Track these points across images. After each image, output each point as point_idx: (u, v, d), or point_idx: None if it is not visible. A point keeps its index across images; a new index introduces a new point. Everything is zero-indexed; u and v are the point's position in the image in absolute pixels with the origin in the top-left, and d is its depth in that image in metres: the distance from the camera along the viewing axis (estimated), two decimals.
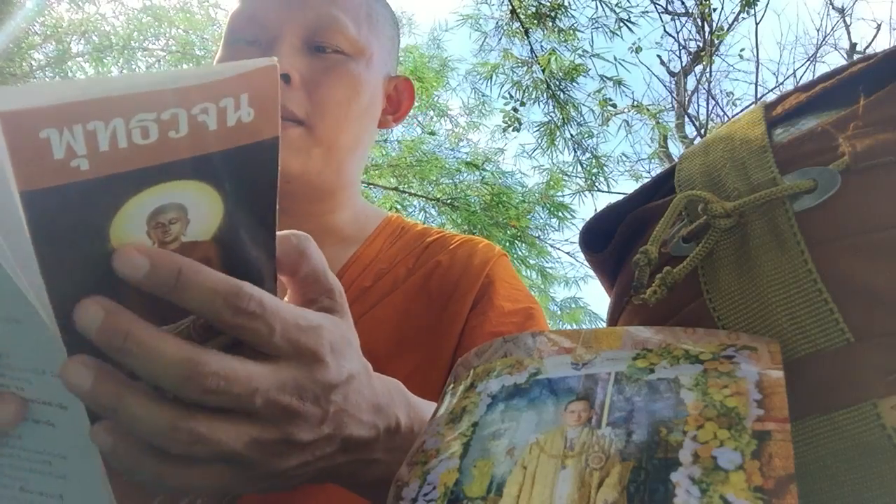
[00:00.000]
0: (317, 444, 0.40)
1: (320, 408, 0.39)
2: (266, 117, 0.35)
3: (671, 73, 8.17)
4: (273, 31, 0.71)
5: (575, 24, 4.32)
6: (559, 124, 4.49)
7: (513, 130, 4.75)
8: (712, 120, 7.72)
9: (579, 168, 4.72)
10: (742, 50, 8.76)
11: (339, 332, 0.40)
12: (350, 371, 0.41)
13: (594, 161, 4.66)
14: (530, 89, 4.51)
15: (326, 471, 0.43)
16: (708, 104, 7.91)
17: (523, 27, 4.26)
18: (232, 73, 0.33)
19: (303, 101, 0.70)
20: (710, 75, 7.86)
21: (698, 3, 6.88)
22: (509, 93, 4.64)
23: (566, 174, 4.85)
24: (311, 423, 0.39)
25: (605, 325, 0.46)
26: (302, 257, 0.41)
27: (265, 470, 0.39)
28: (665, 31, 7.61)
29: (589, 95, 4.47)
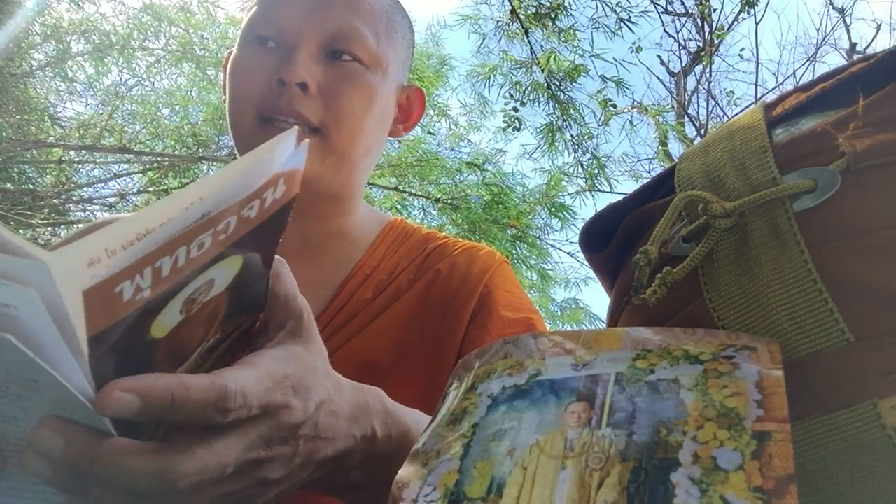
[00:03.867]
0: (291, 474, 0.42)
1: (289, 446, 0.40)
2: (293, 187, 0.37)
3: (671, 73, 8.17)
4: (293, 36, 0.72)
5: (575, 25, 4.32)
6: (559, 125, 4.49)
7: (513, 130, 4.75)
8: (712, 120, 7.72)
9: (580, 169, 4.72)
10: (742, 50, 8.77)
11: (304, 367, 0.41)
12: (318, 400, 0.42)
13: (595, 162, 4.65)
14: (530, 90, 4.50)
15: (303, 484, 0.45)
16: (708, 104, 7.92)
17: (523, 27, 4.26)
18: (278, 167, 0.35)
19: (319, 109, 0.71)
20: (710, 75, 7.87)
21: (698, 3, 6.88)
22: (510, 93, 4.63)
23: (567, 175, 4.85)
24: (281, 461, 0.40)
25: (605, 326, 0.46)
26: (276, 280, 0.43)
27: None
28: (665, 31, 7.62)
29: (591, 97, 4.46)
